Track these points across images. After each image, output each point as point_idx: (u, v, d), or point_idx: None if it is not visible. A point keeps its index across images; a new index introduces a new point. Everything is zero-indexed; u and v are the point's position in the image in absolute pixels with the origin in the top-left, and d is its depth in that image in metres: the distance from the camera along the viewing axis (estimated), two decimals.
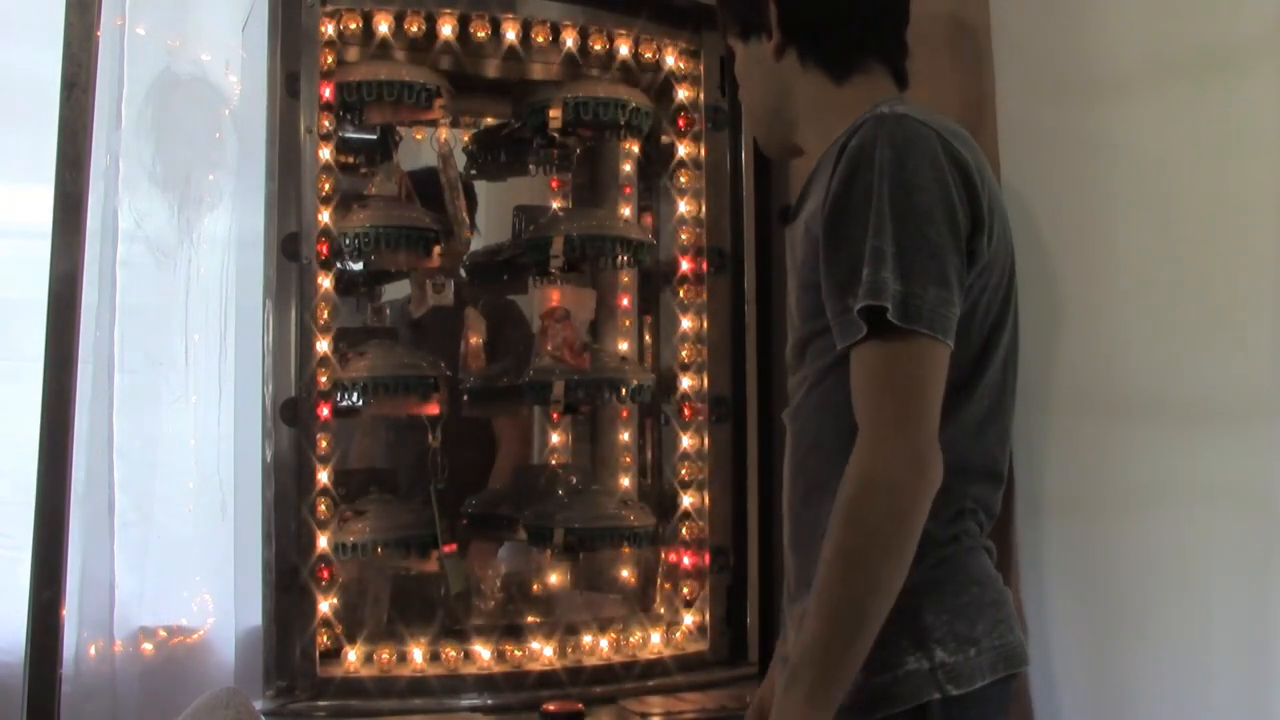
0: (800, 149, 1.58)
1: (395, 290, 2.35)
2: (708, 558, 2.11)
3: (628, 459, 2.32)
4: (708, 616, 2.11)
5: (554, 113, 2.05)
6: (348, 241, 1.96)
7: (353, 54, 1.98)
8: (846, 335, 1.30)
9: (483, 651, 1.98)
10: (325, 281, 1.94)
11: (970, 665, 1.34)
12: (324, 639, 1.91)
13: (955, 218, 1.32)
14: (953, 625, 1.34)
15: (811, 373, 1.41)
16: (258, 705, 1.78)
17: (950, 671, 1.33)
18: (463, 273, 2.28)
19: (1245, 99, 1.30)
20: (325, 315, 1.94)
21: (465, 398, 2.20)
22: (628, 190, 2.31)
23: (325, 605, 1.92)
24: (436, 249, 2.07)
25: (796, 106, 1.54)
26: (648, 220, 2.28)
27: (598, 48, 2.07)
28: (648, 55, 2.12)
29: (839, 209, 1.32)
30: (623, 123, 2.07)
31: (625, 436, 2.32)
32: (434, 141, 2.23)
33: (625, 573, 2.22)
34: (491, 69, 2.09)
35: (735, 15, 1.57)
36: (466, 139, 2.33)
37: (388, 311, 2.33)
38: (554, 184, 2.38)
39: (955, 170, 1.33)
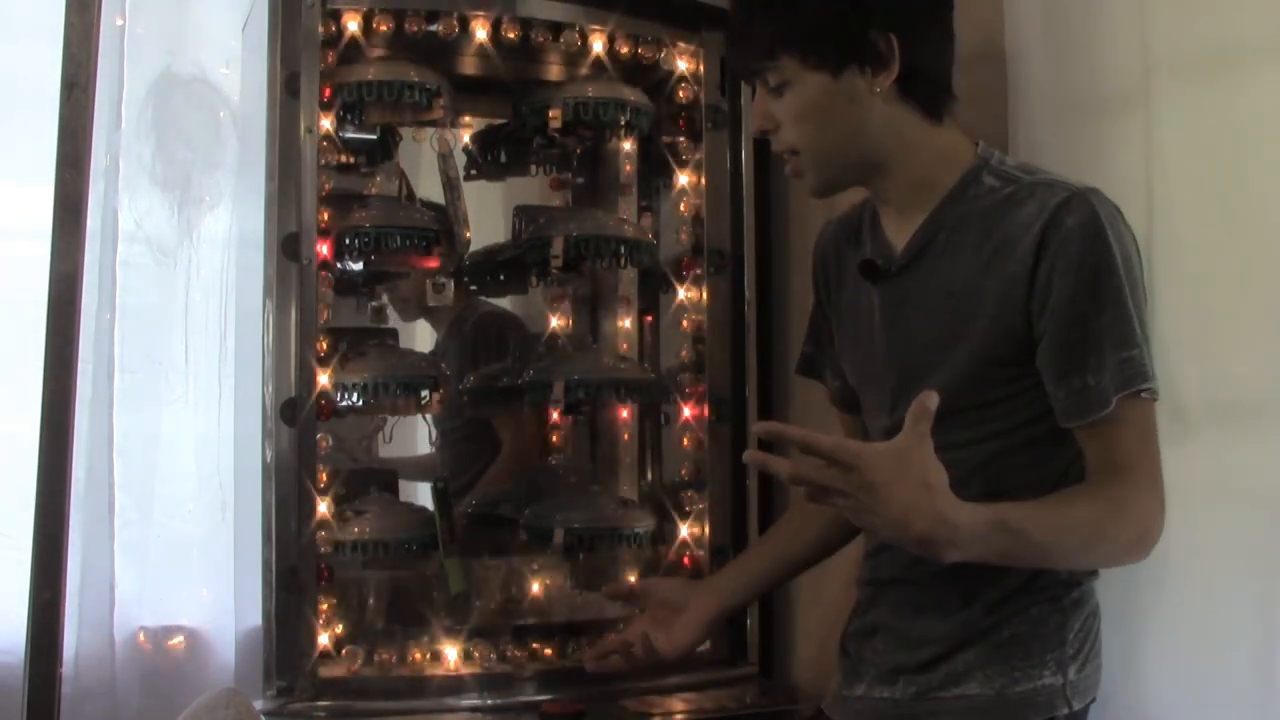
0: (844, 188, 1.55)
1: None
2: (707, 557, 2.11)
3: (628, 459, 2.32)
4: None
5: (554, 113, 2.04)
6: (348, 241, 1.95)
7: (353, 54, 1.98)
8: (1088, 410, 1.35)
9: (483, 651, 1.98)
10: (325, 281, 1.94)
11: (1086, 682, 1.45)
12: (324, 639, 1.90)
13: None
14: (1082, 645, 1.45)
15: (975, 436, 1.43)
16: (258, 705, 1.78)
17: (1075, 687, 1.43)
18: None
19: (1257, 103, 1.31)
20: (325, 315, 1.93)
21: (465, 398, 2.20)
22: (628, 190, 2.30)
23: (325, 605, 1.91)
24: (436, 249, 2.07)
25: (887, 147, 1.46)
26: (647, 220, 2.28)
27: (598, 48, 2.07)
28: (648, 55, 2.11)
29: (1078, 293, 1.35)
30: (623, 123, 2.07)
31: (625, 436, 2.32)
32: (434, 141, 2.22)
33: (625, 573, 2.22)
34: (491, 69, 2.09)
35: (833, 44, 1.41)
36: (466, 139, 2.33)
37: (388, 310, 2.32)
38: (554, 184, 2.37)
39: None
